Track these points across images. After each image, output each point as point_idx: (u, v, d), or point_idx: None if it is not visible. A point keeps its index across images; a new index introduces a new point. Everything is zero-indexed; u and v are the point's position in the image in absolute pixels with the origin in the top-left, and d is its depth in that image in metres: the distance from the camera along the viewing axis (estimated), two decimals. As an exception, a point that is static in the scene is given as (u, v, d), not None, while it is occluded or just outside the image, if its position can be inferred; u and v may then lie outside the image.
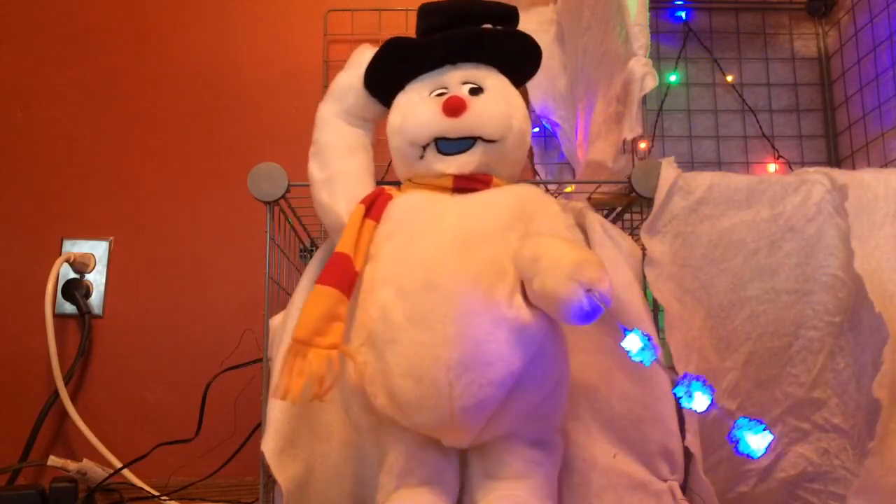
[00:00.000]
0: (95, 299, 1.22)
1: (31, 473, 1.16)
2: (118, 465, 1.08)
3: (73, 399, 1.16)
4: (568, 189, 1.00)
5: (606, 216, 0.90)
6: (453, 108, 0.71)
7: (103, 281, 1.23)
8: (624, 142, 0.84)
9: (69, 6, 1.31)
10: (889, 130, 1.18)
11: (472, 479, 0.69)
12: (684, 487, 0.74)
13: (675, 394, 0.57)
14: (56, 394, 1.13)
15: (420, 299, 0.64)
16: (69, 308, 1.21)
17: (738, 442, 0.55)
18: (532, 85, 0.96)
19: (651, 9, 0.85)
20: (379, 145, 0.81)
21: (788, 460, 0.79)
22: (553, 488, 0.69)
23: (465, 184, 0.72)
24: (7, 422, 1.16)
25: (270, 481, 0.75)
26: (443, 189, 0.73)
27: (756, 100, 1.35)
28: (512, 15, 0.77)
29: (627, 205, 0.86)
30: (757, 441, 0.54)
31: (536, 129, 1.26)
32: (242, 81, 1.30)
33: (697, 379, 0.56)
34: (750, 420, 0.55)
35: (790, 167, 1.31)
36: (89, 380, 1.20)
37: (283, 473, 0.72)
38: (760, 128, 1.33)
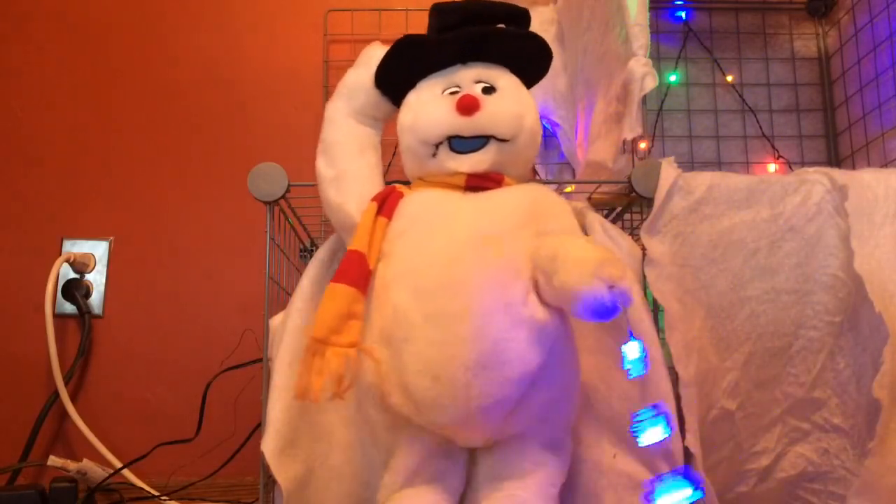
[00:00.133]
0: (95, 299, 1.22)
1: (31, 473, 1.16)
2: (118, 465, 1.08)
3: (73, 399, 1.16)
4: (568, 189, 1.00)
5: (606, 216, 0.90)
6: (467, 106, 0.71)
7: (103, 281, 1.23)
8: (624, 142, 0.84)
9: (69, 6, 1.31)
10: (889, 130, 1.18)
11: (478, 477, 0.69)
12: (684, 487, 0.74)
13: (637, 416, 0.58)
14: (56, 394, 1.13)
15: (436, 298, 0.64)
16: (69, 308, 1.21)
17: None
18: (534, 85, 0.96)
19: (651, 9, 0.85)
20: (381, 145, 0.81)
21: (788, 460, 0.79)
22: (555, 490, 0.69)
23: (477, 182, 0.72)
24: (7, 422, 1.16)
25: (270, 481, 0.75)
26: (455, 187, 0.73)
27: (756, 100, 1.35)
28: (523, 16, 0.78)
29: (627, 205, 0.86)
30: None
31: (537, 129, 1.26)
32: (242, 81, 1.30)
33: (666, 416, 0.57)
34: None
35: (790, 167, 1.31)
36: (89, 380, 1.20)
37: (283, 473, 0.71)
38: (760, 128, 1.33)
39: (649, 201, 0.79)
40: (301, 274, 0.80)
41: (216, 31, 1.32)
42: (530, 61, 0.78)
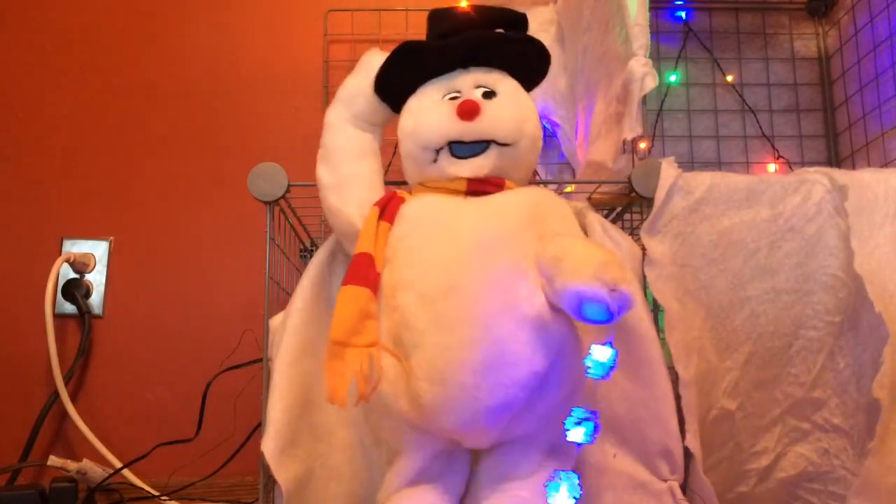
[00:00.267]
0: (95, 299, 1.22)
1: (31, 473, 1.16)
2: (118, 465, 1.08)
3: (73, 399, 1.16)
4: (568, 189, 1.00)
5: (606, 216, 0.90)
6: (468, 111, 0.71)
7: (103, 281, 1.23)
8: (624, 142, 0.84)
9: (69, 6, 1.31)
10: (889, 130, 1.18)
11: (481, 477, 0.69)
12: (684, 487, 0.74)
13: (571, 411, 0.59)
14: (56, 394, 1.13)
15: (442, 303, 0.64)
16: (69, 308, 1.21)
17: (550, 484, 0.58)
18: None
19: (651, 9, 0.85)
20: (381, 146, 0.81)
21: (788, 460, 0.79)
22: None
23: (478, 187, 0.72)
24: (7, 422, 1.16)
25: (270, 481, 0.75)
26: (456, 192, 0.73)
27: (756, 100, 1.35)
28: (521, 21, 0.78)
29: (627, 205, 0.86)
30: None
31: (536, 129, 1.26)
32: (242, 81, 1.30)
33: (596, 424, 0.58)
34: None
35: (790, 167, 1.31)
36: (89, 380, 1.20)
37: (283, 473, 0.71)
38: (760, 128, 1.33)
39: (649, 201, 0.79)
40: (301, 274, 0.80)
41: (216, 32, 1.32)
42: (530, 65, 0.79)
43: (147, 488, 1.09)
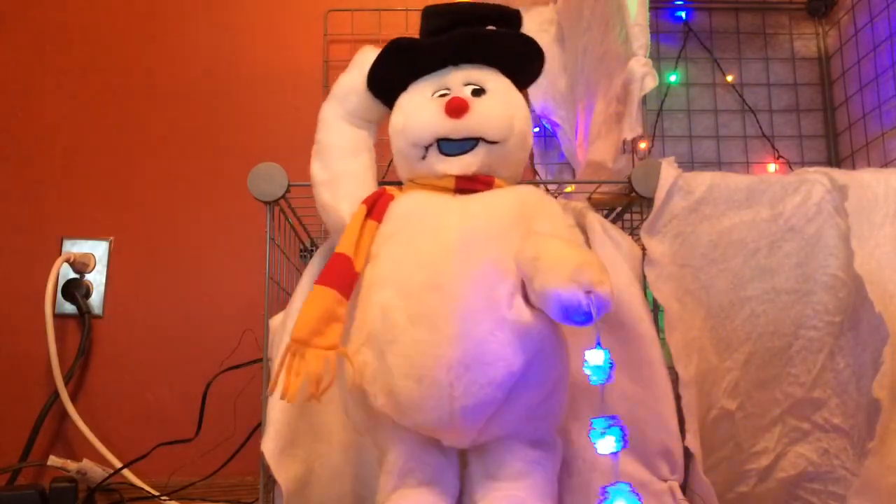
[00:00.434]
0: (95, 299, 1.22)
1: (31, 473, 1.16)
2: (118, 465, 1.08)
3: (73, 399, 1.16)
4: (568, 189, 1.00)
5: (606, 216, 0.90)
6: (455, 108, 0.71)
7: (103, 281, 1.23)
8: (624, 142, 0.84)
9: (69, 6, 1.30)
10: (889, 130, 1.18)
11: (472, 479, 0.69)
12: (684, 487, 0.74)
13: (592, 423, 0.58)
14: (56, 394, 1.13)
15: (422, 299, 0.64)
16: (69, 308, 1.21)
17: (606, 499, 0.56)
18: (532, 85, 0.96)
19: (651, 9, 0.85)
20: (380, 146, 0.81)
21: (788, 460, 0.79)
22: (553, 488, 0.69)
23: (467, 185, 0.72)
24: (7, 422, 1.16)
25: (270, 481, 0.75)
26: (445, 190, 0.73)
27: (756, 100, 1.35)
28: (515, 18, 0.78)
29: (627, 205, 0.86)
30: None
31: (536, 129, 1.26)
32: (242, 81, 1.30)
33: (622, 428, 0.57)
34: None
35: (790, 167, 1.31)
36: (89, 380, 1.20)
37: (283, 473, 0.72)
38: (760, 128, 1.33)
39: (649, 201, 0.79)
40: (301, 274, 0.80)
41: (216, 32, 1.32)
42: (521, 62, 0.78)
43: (147, 488, 1.09)
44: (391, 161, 0.79)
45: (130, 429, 1.18)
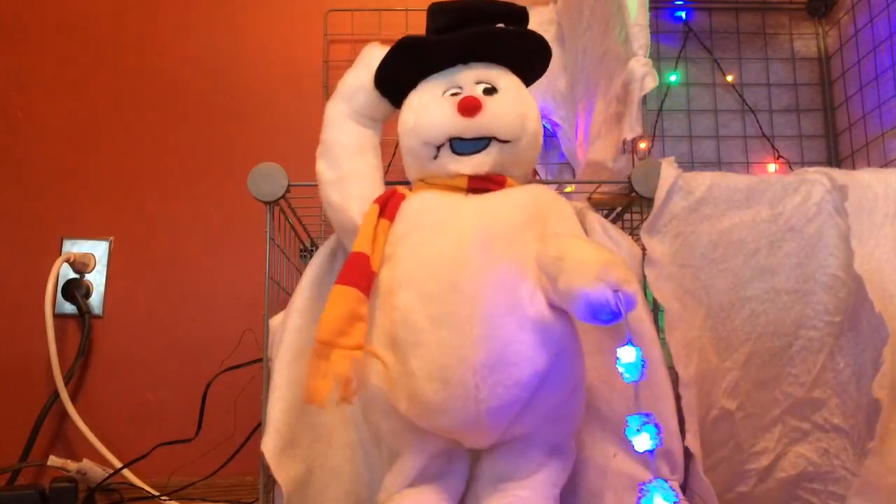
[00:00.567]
0: (95, 299, 1.22)
1: (31, 473, 1.16)
2: (118, 465, 1.08)
3: (73, 399, 1.16)
4: (568, 189, 1.00)
5: (606, 216, 0.90)
6: (469, 107, 0.71)
7: (103, 281, 1.23)
8: (624, 142, 0.84)
9: (69, 6, 1.30)
10: (889, 130, 1.18)
11: (481, 478, 0.69)
12: (684, 487, 0.74)
13: (627, 421, 0.57)
14: (56, 394, 1.13)
15: (444, 301, 0.64)
16: (69, 308, 1.21)
17: (644, 497, 0.56)
18: (532, 85, 0.96)
19: (651, 9, 0.85)
20: (381, 145, 0.81)
21: (788, 460, 0.79)
22: (556, 491, 0.69)
23: (479, 184, 0.72)
24: (7, 422, 1.16)
25: (270, 481, 0.75)
26: (457, 189, 0.72)
27: (756, 100, 1.34)
28: (522, 15, 0.77)
29: (627, 205, 0.86)
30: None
31: (536, 129, 1.26)
32: (242, 81, 1.30)
33: (656, 425, 0.57)
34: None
35: (790, 167, 1.31)
36: (89, 380, 1.20)
37: (283, 473, 0.71)
38: (760, 128, 1.33)
39: (649, 201, 0.79)
40: (301, 274, 0.80)
41: (216, 32, 1.32)
42: (530, 59, 0.78)
43: (147, 488, 1.09)
44: (391, 162, 0.78)
45: (130, 429, 1.18)
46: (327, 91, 1.27)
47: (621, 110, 0.85)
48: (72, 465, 1.05)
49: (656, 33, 1.33)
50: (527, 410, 0.64)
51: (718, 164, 1.32)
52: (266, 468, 0.73)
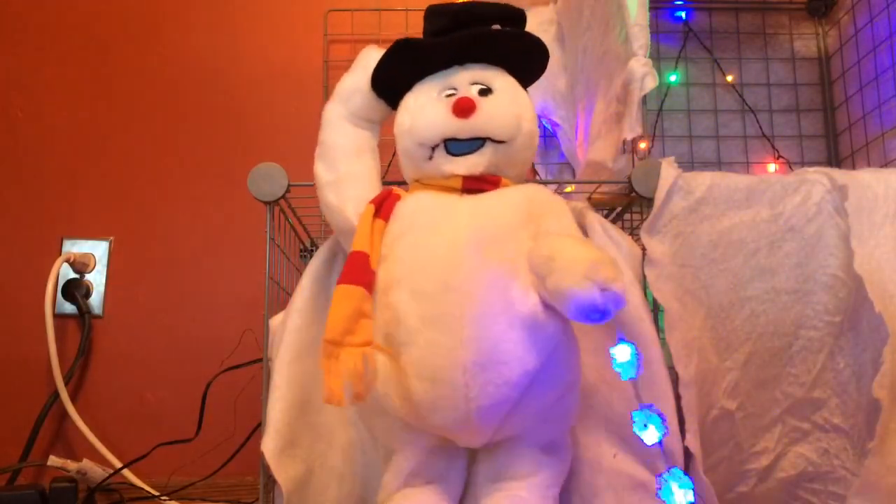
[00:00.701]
0: (95, 299, 1.22)
1: (31, 473, 1.16)
2: (118, 465, 1.08)
3: (73, 399, 1.16)
4: (568, 189, 1.00)
5: (606, 216, 0.90)
6: (463, 108, 0.71)
7: (103, 281, 1.23)
8: (624, 142, 0.84)
9: (69, 6, 1.30)
10: (889, 130, 1.18)
11: (478, 478, 0.69)
12: (684, 487, 0.74)
13: (632, 417, 0.57)
14: (56, 394, 1.13)
15: (436, 301, 0.64)
16: (69, 308, 1.21)
17: (662, 488, 0.56)
18: (532, 85, 0.97)
19: (651, 9, 0.85)
20: (380, 146, 0.81)
21: (788, 460, 0.79)
22: (556, 490, 0.69)
23: (474, 185, 0.72)
24: (7, 422, 1.16)
25: (270, 481, 0.75)
26: (452, 190, 0.73)
27: (756, 100, 1.34)
28: (519, 16, 0.78)
29: (627, 205, 0.86)
30: (679, 495, 0.55)
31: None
32: (242, 81, 1.30)
33: (659, 414, 0.57)
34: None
35: (790, 167, 1.31)
36: (89, 380, 1.20)
37: (283, 473, 0.72)
38: (760, 128, 1.33)
39: (649, 201, 0.79)
40: (301, 274, 0.81)
41: (216, 32, 1.32)
42: (527, 61, 0.78)
43: (147, 488, 1.09)
44: (391, 162, 0.79)
45: (130, 429, 1.17)
46: (327, 91, 1.27)
47: (621, 110, 0.85)
48: (72, 465, 1.05)
49: (656, 33, 1.34)
50: (518, 409, 0.64)
51: (718, 164, 1.32)
52: (266, 468, 0.73)
